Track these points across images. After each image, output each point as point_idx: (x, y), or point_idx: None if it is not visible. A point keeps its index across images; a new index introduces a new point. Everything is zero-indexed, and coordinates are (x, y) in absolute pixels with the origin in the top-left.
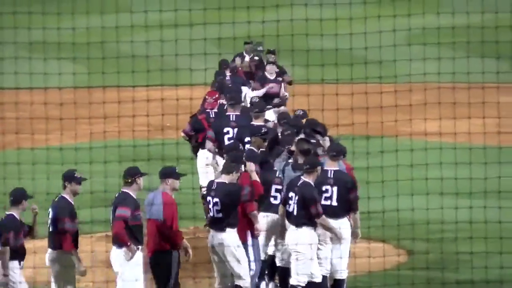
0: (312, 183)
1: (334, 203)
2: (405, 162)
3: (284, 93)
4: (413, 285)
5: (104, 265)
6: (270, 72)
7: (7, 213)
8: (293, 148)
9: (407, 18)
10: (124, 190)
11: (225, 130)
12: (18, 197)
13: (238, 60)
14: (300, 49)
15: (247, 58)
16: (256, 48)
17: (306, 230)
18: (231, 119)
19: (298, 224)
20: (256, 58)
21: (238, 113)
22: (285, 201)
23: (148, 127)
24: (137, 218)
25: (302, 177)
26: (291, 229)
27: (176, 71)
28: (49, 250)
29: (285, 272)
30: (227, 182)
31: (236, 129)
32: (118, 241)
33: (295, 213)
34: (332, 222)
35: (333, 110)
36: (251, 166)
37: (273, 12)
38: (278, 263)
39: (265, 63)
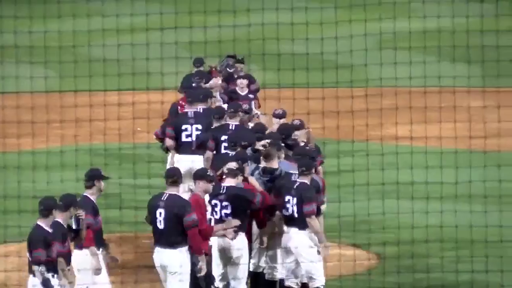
0: (309, 184)
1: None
2: (376, 166)
3: (255, 111)
4: None
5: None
6: (241, 86)
7: (55, 220)
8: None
9: (378, 22)
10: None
11: (183, 127)
12: (68, 202)
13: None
14: (271, 53)
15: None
16: (227, 64)
17: (308, 232)
18: (189, 115)
19: (301, 227)
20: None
21: (196, 110)
22: (281, 206)
23: (119, 131)
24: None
25: (297, 179)
26: (292, 232)
27: (147, 75)
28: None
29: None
30: (236, 186)
31: (194, 126)
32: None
33: (296, 215)
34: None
35: (304, 114)
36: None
37: (244, 16)
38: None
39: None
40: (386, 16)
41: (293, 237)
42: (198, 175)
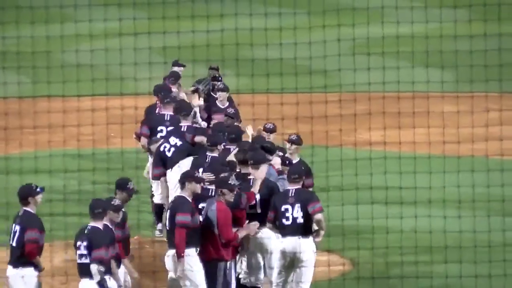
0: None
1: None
2: (350, 172)
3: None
4: None
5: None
6: (221, 99)
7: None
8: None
9: (351, 27)
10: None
11: (159, 128)
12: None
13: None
14: (245, 59)
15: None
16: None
17: (311, 238)
18: (165, 118)
19: (304, 233)
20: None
21: (171, 113)
22: (274, 218)
23: (93, 136)
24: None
25: (289, 187)
26: (294, 240)
27: (121, 80)
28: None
29: None
30: None
31: (169, 128)
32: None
33: (299, 222)
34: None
35: (278, 119)
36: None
37: (218, 21)
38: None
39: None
40: (359, 21)
41: (295, 243)
42: (223, 183)
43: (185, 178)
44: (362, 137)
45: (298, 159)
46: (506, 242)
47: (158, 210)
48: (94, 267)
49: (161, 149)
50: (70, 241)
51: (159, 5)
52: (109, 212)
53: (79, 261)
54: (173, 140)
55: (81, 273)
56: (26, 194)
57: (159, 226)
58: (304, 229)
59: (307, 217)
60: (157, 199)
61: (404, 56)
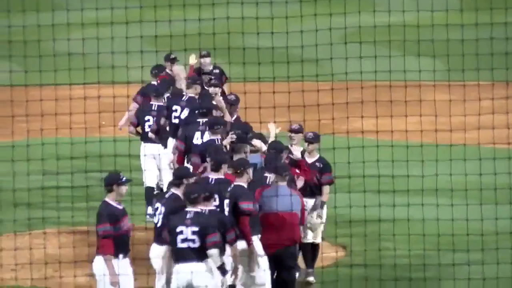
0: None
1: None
2: (342, 160)
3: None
4: (351, 281)
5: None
6: (215, 93)
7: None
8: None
9: (343, 16)
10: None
11: (146, 118)
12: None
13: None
14: (236, 47)
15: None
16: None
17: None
18: (152, 108)
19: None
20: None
21: (160, 104)
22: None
23: (85, 124)
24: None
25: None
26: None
27: (112, 69)
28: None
29: None
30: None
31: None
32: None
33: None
34: None
35: (269, 108)
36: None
37: (209, 10)
38: None
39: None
40: (351, 10)
41: None
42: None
43: (244, 166)
44: (354, 126)
45: (301, 149)
46: (499, 230)
47: (149, 193)
48: (214, 252)
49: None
50: (62, 228)
51: None
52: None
53: (182, 245)
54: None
55: (187, 258)
56: (111, 181)
57: (149, 210)
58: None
59: None
60: (149, 182)
61: (395, 45)
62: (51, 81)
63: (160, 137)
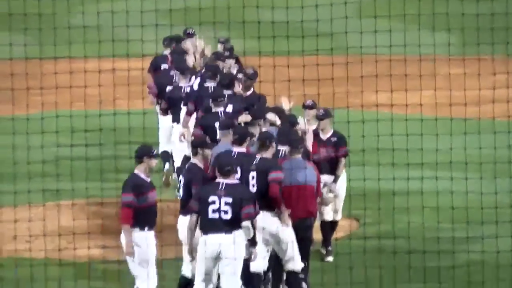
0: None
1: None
2: (357, 134)
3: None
4: (365, 253)
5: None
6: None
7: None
8: None
9: None
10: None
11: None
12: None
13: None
14: (251, 21)
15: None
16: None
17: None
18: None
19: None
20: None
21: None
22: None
23: (100, 97)
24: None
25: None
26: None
27: (127, 43)
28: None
29: None
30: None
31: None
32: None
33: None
34: None
35: (284, 81)
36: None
37: None
38: None
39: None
40: None
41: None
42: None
43: (270, 139)
44: (369, 100)
45: (315, 126)
46: None
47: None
48: (247, 224)
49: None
50: (76, 201)
51: None
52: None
53: (213, 216)
54: None
55: (217, 229)
56: (142, 153)
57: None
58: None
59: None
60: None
61: (410, 19)
62: (66, 54)
63: (173, 111)
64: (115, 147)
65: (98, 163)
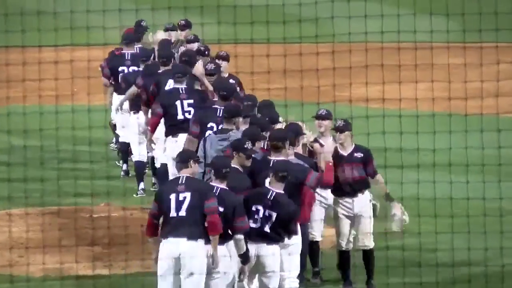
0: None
1: None
2: None
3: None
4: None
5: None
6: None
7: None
8: None
9: None
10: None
11: (120, 69)
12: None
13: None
14: (226, 5)
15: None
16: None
17: None
18: (126, 57)
19: None
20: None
21: (133, 52)
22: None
23: (56, 91)
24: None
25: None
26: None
27: (87, 30)
28: None
29: None
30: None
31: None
32: None
33: None
34: None
35: (263, 73)
36: None
37: None
38: None
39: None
40: None
41: None
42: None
43: (283, 140)
44: (358, 93)
45: (331, 137)
46: None
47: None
48: (240, 237)
49: None
50: (29, 209)
51: None
52: None
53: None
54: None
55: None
56: (188, 156)
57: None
58: None
59: None
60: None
61: (405, 3)
62: (19, 42)
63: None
64: (74, 147)
65: (55, 165)
